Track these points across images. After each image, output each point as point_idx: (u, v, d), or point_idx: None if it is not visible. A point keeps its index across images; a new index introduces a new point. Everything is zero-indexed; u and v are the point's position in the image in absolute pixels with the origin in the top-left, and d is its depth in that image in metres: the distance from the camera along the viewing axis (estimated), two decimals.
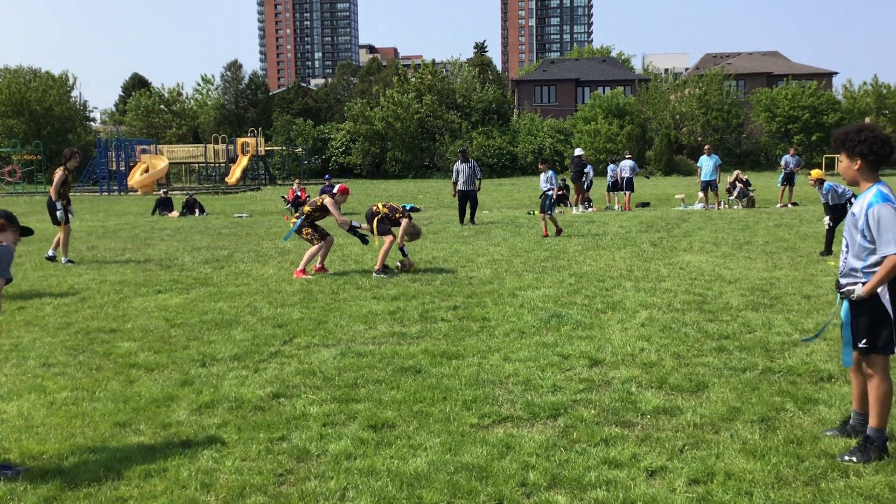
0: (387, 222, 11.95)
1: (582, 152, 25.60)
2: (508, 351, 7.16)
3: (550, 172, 17.06)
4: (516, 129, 58.93)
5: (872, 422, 4.65)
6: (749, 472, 4.44)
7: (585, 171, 24.42)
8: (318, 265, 11.97)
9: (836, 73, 69.78)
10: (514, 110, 65.46)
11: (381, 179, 55.03)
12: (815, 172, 14.33)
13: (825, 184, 13.52)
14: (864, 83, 58.73)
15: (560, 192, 16.71)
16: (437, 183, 45.36)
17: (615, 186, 25.43)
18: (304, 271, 11.56)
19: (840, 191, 13.34)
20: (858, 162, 4.62)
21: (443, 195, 32.70)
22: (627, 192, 24.95)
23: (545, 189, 16.78)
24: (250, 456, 4.83)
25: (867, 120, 51.83)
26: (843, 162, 4.75)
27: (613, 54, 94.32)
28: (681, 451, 4.79)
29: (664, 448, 4.84)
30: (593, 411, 5.53)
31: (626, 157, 25.98)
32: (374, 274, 11.45)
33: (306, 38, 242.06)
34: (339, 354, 7.13)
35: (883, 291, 4.54)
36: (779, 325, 7.98)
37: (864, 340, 4.62)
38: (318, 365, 6.82)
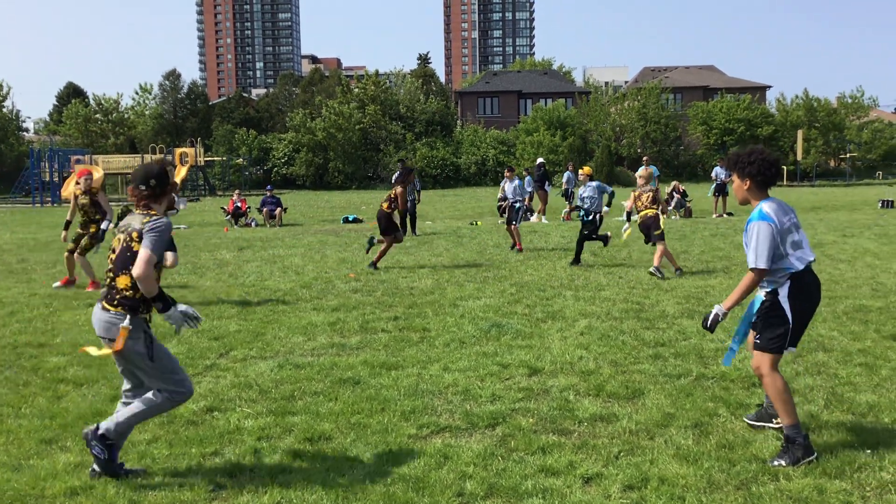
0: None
1: (543, 161, 25.85)
2: (448, 361, 7.15)
3: (517, 181, 16.35)
4: (460, 140, 59.17)
5: (783, 421, 4.78)
6: (682, 476, 4.50)
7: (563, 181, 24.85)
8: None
9: (769, 87, 71.71)
10: (458, 121, 65.75)
11: (323, 190, 54.66)
12: (586, 169, 13.91)
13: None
14: (796, 96, 60.47)
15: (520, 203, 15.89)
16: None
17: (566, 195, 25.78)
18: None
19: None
20: (748, 182, 4.94)
21: None
22: (569, 202, 25.23)
23: (512, 200, 15.91)
24: (180, 471, 4.72)
25: (800, 132, 53.38)
26: (735, 182, 5.04)
27: (555, 67, 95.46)
28: (616, 457, 4.84)
29: (600, 455, 4.87)
30: (531, 420, 5.55)
31: (568, 168, 26.28)
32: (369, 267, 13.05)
33: (247, 48, 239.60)
34: (277, 367, 7.03)
35: (784, 301, 4.80)
36: (715, 333, 8.11)
37: (757, 336, 4.88)
38: (255, 378, 6.72)
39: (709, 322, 4.91)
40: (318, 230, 21.80)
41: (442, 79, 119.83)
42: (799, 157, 53.45)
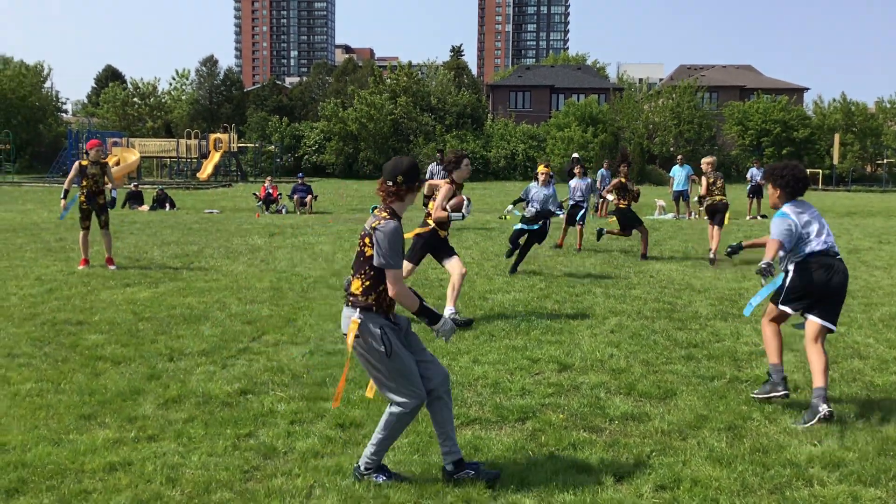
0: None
1: (578, 156, 25.73)
2: (478, 353, 7.16)
3: (587, 179, 15.93)
4: (490, 133, 59.04)
5: (768, 358, 5.99)
6: (715, 479, 4.48)
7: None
8: None
9: (807, 89, 70.76)
10: (489, 115, 65.60)
11: (353, 179, 54.82)
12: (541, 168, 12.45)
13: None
14: (834, 100, 59.60)
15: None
16: None
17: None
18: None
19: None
20: (779, 191, 5.92)
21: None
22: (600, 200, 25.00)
23: (578, 199, 15.49)
24: (217, 452, 4.79)
25: (836, 136, 52.67)
26: (770, 190, 5.99)
27: (588, 62, 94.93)
28: (648, 457, 4.82)
29: (632, 454, 4.87)
30: (562, 415, 5.55)
31: (603, 166, 26.06)
32: None
33: (282, 36, 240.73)
34: (308, 353, 7.10)
35: (791, 268, 5.88)
36: (746, 334, 8.07)
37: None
38: (287, 362, 6.78)
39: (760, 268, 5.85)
40: (347, 219, 21.90)
41: (474, 72, 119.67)
42: (835, 161, 52.79)
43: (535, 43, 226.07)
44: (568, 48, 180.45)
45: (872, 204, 33.94)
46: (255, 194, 26.80)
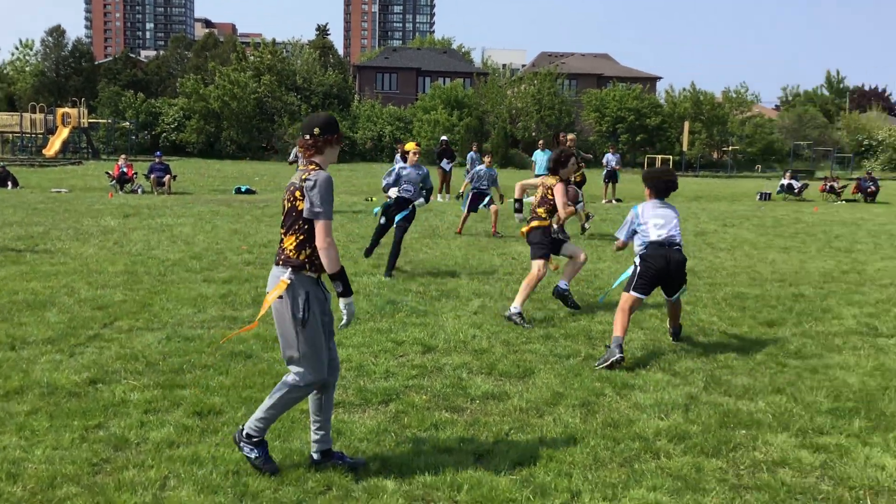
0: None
1: (447, 138, 25.78)
2: (342, 336, 7.11)
3: (494, 171, 15.78)
4: (356, 114, 58.58)
5: (614, 330, 6.70)
6: (569, 454, 4.64)
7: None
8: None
9: (660, 78, 73.97)
10: (355, 96, 65.05)
11: (215, 159, 53.12)
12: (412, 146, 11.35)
13: None
14: (684, 89, 62.58)
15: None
16: (275, 166, 44.33)
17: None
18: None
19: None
20: (648, 191, 7.25)
21: (280, 178, 32.03)
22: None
23: (483, 188, 15.32)
24: (63, 445, 4.54)
25: (686, 124, 55.31)
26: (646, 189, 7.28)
27: (454, 46, 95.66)
28: (507, 434, 4.94)
29: (491, 432, 4.97)
30: (425, 397, 5.59)
31: (472, 149, 26.16)
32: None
33: (136, 7, 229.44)
34: (165, 339, 6.84)
35: (638, 259, 7.00)
36: (601, 314, 8.37)
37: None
38: (142, 349, 6.51)
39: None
40: (209, 200, 21.21)
41: (340, 52, 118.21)
42: (685, 147, 55.45)
43: (401, 25, 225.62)
44: (434, 31, 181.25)
45: (718, 189, 35.94)
46: (107, 173, 25.50)
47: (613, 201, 25.50)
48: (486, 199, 15.37)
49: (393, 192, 10.53)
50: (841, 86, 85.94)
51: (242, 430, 4.33)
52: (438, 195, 24.11)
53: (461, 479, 4.26)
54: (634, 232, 7.10)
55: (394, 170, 10.70)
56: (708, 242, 14.76)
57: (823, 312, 8.68)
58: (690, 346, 7.18)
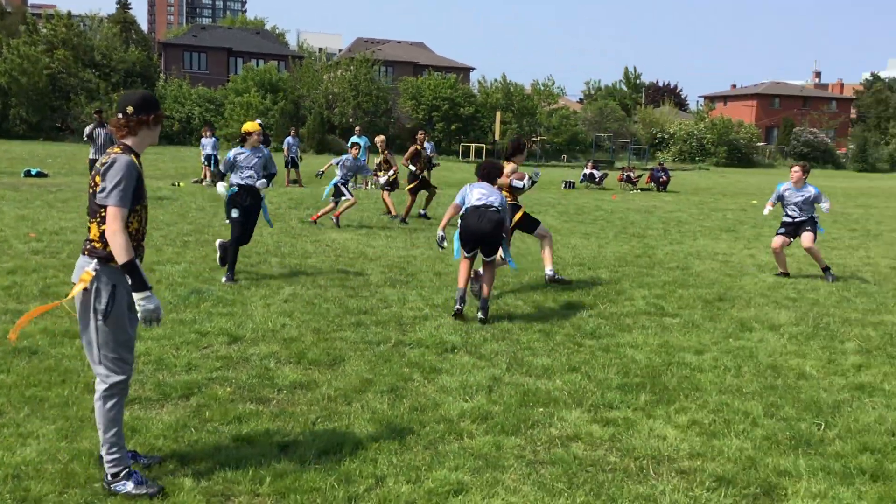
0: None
1: (262, 123, 24.92)
2: (140, 329, 6.76)
3: (363, 160, 16.02)
4: (162, 94, 55.82)
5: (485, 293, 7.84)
6: (376, 439, 4.66)
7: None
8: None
9: (473, 69, 75.79)
10: (161, 75, 61.99)
11: (3, 139, 48.97)
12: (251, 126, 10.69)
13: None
14: (496, 80, 64.52)
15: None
16: (71, 147, 41.42)
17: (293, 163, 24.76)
18: None
19: None
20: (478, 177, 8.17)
21: (76, 160, 29.97)
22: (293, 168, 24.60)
23: (349, 176, 14.71)
24: None
25: (498, 114, 57.00)
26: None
27: (268, 27, 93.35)
28: (314, 423, 4.90)
29: (297, 422, 4.91)
30: (229, 389, 5.44)
31: (291, 133, 25.49)
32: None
33: None
34: None
35: (461, 224, 7.97)
36: (412, 300, 8.49)
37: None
38: None
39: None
40: None
41: (144, 28, 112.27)
42: (497, 137, 57.14)
43: (210, 2, 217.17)
44: (246, 10, 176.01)
45: None
46: None
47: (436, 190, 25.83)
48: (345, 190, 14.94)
49: (221, 189, 9.32)
50: (637, 82, 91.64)
51: (106, 475, 3.96)
52: None
53: (264, 471, 4.18)
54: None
55: (230, 157, 9.38)
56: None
57: (617, 294, 9.24)
58: (496, 330, 7.42)
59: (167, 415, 4.93)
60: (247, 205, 9.29)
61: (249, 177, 9.30)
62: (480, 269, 8.27)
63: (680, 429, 5.08)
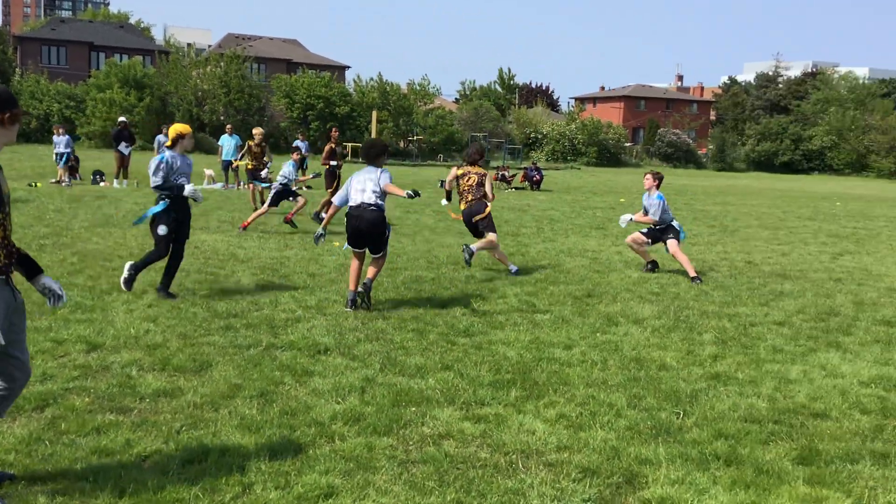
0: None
1: (125, 120, 23.89)
2: None
3: (292, 166, 15.17)
4: (18, 90, 52.78)
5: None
6: (244, 446, 4.55)
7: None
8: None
9: (348, 67, 75.33)
10: (17, 70, 58.57)
11: None
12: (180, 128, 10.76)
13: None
14: (372, 79, 64.36)
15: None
16: None
17: None
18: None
19: None
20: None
21: None
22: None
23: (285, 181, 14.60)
24: None
25: (374, 113, 56.85)
26: None
27: (132, 21, 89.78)
28: (178, 432, 4.73)
29: (160, 431, 4.73)
30: (87, 399, 5.18)
31: (163, 132, 24.53)
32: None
33: None
34: None
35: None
36: (285, 302, 8.34)
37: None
38: None
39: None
40: None
41: None
42: (374, 136, 57.10)
43: None
44: (109, 3, 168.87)
45: (405, 177, 37.43)
46: None
47: (304, 188, 25.50)
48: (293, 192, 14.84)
49: (188, 191, 8.22)
50: (511, 82, 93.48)
51: None
52: (115, 181, 22.52)
53: (124, 482, 4.00)
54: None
55: (162, 159, 8.12)
56: (392, 229, 15.29)
57: (490, 292, 9.38)
58: (370, 330, 7.38)
59: (20, 428, 4.65)
60: (178, 217, 8.32)
61: (185, 182, 8.29)
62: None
63: (548, 422, 5.20)
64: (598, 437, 4.96)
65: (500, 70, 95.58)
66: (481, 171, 10.62)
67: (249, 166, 17.48)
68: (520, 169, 38.45)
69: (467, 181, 10.62)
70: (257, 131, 18.04)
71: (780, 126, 73.48)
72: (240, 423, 4.92)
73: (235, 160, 17.56)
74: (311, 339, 6.91)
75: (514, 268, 10.73)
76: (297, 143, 25.92)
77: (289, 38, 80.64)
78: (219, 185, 23.83)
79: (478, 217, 10.58)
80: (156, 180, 8.11)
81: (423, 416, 5.21)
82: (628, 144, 73.84)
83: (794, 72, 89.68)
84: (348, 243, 8.38)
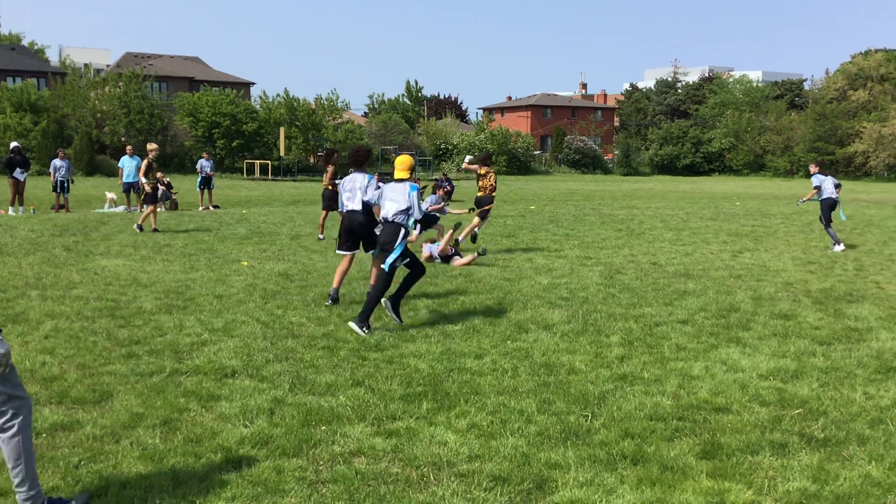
0: None
1: (18, 145, 22.82)
2: None
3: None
4: None
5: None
6: (146, 477, 4.40)
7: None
8: None
9: (253, 84, 74.30)
10: None
11: None
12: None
13: None
14: (278, 95, 63.59)
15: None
16: None
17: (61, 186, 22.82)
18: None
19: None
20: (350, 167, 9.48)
21: None
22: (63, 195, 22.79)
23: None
24: None
25: (282, 129, 56.17)
26: None
27: (25, 43, 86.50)
28: (76, 467, 4.54)
29: (58, 467, 4.53)
30: None
31: (58, 156, 23.52)
32: None
33: None
34: None
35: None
36: (190, 325, 8.14)
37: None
38: None
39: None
40: None
41: None
42: (282, 153, 56.36)
43: None
44: (0, 25, 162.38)
45: (315, 193, 37.10)
46: None
47: (211, 207, 25.00)
48: None
49: None
50: (419, 94, 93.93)
51: None
52: (10, 208, 21.60)
53: None
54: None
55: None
56: (302, 245, 15.14)
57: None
58: (279, 350, 7.26)
59: None
60: None
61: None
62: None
63: (460, 433, 5.21)
64: (509, 445, 4.99)
65: (408, 82, 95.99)
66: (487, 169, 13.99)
67: (151, 184, 17.01)
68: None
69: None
70: (152, 146, 17.57)
71: (680, 130, 75.99)
72: (142, 453, 4.75)
73: (142, 182, 17.05)
74: (218, 362, 6.75)
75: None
76: (202, 161, 25.42)
77: (190, 55, 79.09)
78: (120, 209, 23.12)
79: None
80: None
81: (333, 434, 5.14)
82: (537, 152, 75.05)
83: (692, 77, 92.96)
84: (339, 243, 9.44)
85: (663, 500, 4.24)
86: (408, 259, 8.41)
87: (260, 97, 63.93)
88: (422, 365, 6.81)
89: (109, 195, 24.64)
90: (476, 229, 14.45)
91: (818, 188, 15.81)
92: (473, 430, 5.28)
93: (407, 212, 8.37)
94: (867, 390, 6.22)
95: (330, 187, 16.50)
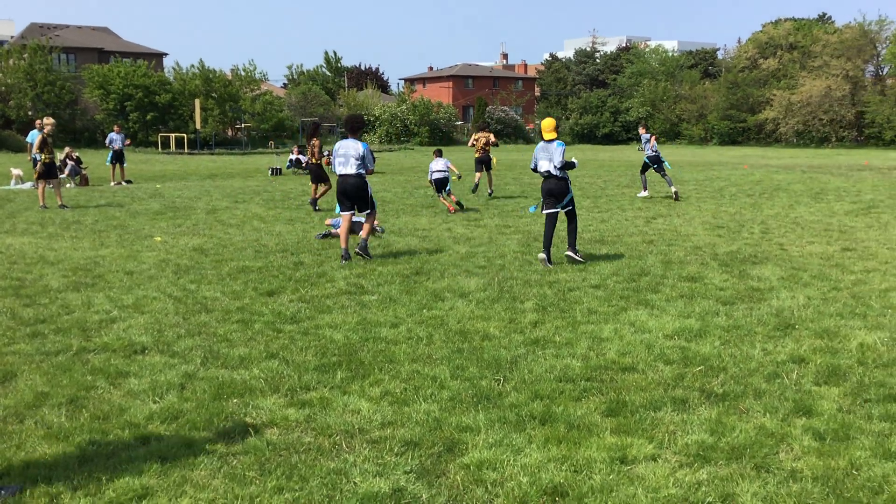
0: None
1: None
2: None
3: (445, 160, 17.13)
4: None
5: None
6: (51, 456, 4.32)
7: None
8: None
9: (166, 54, 72.14)
10: None
11: None
12: None
13: None
14: (192, 66, 61.94)
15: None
16: None
17: None
18: None
19: None
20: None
21: None
22: None
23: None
24: None
25: (197, 101, 54.79)
26: None
27: None
28: None
29: None
30: None
31: None
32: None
33: None
34: None
35: None
36: (99, 303, 7.95)
37: None
38: None
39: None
40: None
41: None
42: (198, 126, 55.07)
43: None
44: None
45: (233, 166, 36.45)
46: None
47: (123, 183, 24.31)
48: None
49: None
50: (339, 65, 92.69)
51: None
52: None
53: None
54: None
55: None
56: (219, 220, 14.90)
57: (319, 277, 9.32)
58: (191, 325, 7.16)
59: None
60: None
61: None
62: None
63: (373, 401, 5.25)
64: (422, 410, 5.06)
65: (326, 53, 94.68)
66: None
67: (46, 160, 16.35)
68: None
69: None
70: (48, 121, 16.84)
71: (599, 100, 77.09)
72: (46, 432, 4.66)
73: (36, 158, 16.44)
74: (127, 339, 6.63)
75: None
76: (112, 135, 24.64)
77: (99, 25, 76.17)
78: (28, 185, 22.29)
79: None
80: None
81: (245, 406, 5.13)
82: (459, 123, 75.15)
83: (610, 47, 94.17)
84: (338, 205, 10.42)
85: (568, 457, 4.38)
86: (570, 207, 10.25)
87: (174, 68, 62.28)
88: (337, 335, 6.81)
89: (15, 171, 23.71)
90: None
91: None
92: (387, 397, 5.33)
93: (562, 167, 9.97)
94: (765, 346, 6.50)
95: (315, 161, 17.29)
